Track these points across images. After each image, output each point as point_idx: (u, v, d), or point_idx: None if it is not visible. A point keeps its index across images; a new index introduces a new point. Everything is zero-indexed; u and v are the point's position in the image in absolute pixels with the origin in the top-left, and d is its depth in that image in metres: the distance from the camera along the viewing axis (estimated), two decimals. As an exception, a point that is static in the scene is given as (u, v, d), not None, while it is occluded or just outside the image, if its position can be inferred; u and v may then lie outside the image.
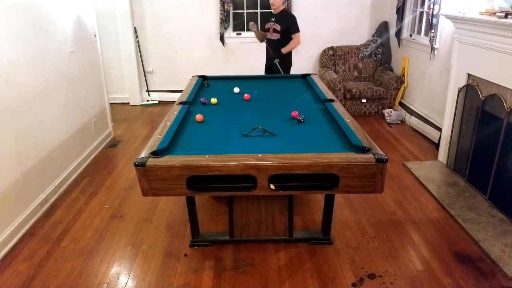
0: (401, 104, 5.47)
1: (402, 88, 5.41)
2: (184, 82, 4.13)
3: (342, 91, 5.39)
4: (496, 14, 3.01)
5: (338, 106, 3.03)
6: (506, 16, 2.89)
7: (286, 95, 3.60)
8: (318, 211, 3.12)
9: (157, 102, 6.31)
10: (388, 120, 5.27)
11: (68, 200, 3.42)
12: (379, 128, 5.12)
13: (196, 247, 2.75)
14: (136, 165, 2.15)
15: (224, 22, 5.88)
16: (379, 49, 5.93)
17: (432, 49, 4.54)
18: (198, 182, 2.24)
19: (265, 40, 4.77)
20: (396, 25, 5.54)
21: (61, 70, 3.64)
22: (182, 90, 3.69)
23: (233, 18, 6.12)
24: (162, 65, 6.25)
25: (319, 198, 3.28)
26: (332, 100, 3.19)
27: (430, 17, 4.47)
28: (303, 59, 6.02)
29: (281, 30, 4.60)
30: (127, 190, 3.57)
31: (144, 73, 6.24)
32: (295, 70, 4.83)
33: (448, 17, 3.76)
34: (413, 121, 5.09)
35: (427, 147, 4.48)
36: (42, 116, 3.27)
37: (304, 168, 2.15)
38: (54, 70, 3.49)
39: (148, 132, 4.96)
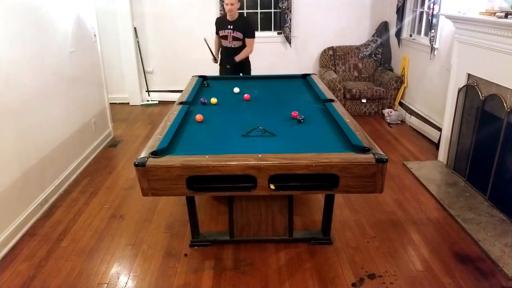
0: (401, 104, 5.47)
1: (402, 88, 5.41)
2: (184, 82, 4.12)
3: (342, 91, 5.39)
4: (496, 14, 3.01)
5: (338, 106, 3.03)
6: (506, 16, 2.89)
7: (286, 95, 3.60)
8: (318, 211, 3.12)
9: (157, 102, 6.31)
10: (388, 120, 5.27)
11: (68, 200, 3.42)
12: (379, 128, 5.12)
13: (196, 247, 2.75)
14: (136, 165, 2.15)
15: (224, 22, 5.88)
16: (379, 49, 5.93)
17: (432, 49, 4.54)
18: (198, 182, 2.24)
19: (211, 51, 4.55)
20: (396, 25, 5.54)
21: (61, 70, 3.64)
22: (182, 90, 3.69)
23: (233, 18, 6.12)
24: (162, 65, 6.25)
25: (319, 198, 3.28)
26: (332, 100, 3.19)
27: (430, 17, 4.47)
28: (303, 59, 6.02)
29: (243, 38, 4.42)
30: (127, 190, 3.57)
31: (144, 73, 6.24)
32: (295, 70, 4.81)
33: (448, 17, 3.76)
34: (413, 121, 5.09)
35: (427, 147, 4.48)
36: (42, 116, 3.27)
37: (304, 168, 2.15)
38: (54, 70, 3.49)
39: (148, 132, 4.96)
